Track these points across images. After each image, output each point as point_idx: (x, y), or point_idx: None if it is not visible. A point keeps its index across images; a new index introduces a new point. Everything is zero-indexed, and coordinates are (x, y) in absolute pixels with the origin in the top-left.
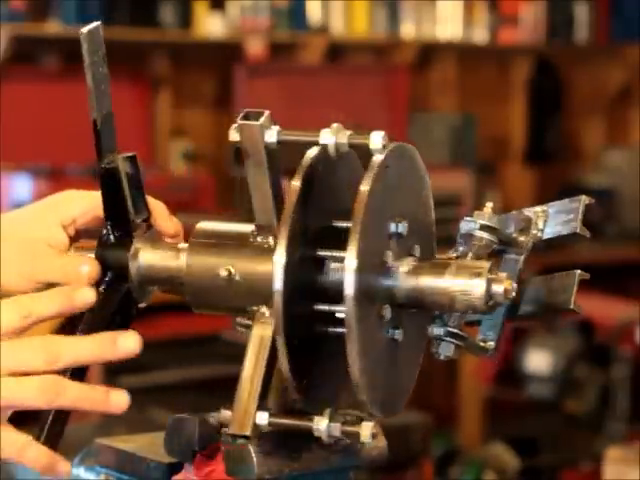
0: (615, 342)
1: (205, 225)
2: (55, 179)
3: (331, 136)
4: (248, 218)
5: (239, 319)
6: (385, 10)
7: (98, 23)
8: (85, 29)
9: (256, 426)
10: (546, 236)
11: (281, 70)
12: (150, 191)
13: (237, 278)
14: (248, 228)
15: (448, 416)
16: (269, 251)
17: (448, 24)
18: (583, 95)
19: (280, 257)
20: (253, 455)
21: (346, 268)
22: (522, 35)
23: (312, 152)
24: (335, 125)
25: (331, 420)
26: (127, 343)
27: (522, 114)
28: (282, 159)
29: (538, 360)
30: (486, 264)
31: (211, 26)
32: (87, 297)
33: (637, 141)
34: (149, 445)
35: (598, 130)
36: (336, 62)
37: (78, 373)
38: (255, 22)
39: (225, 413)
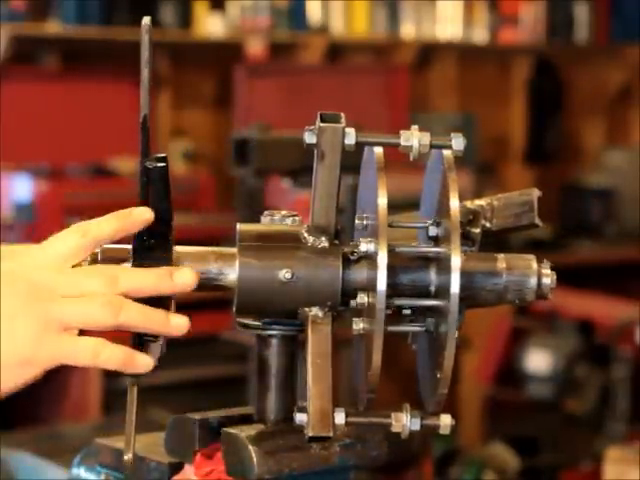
0: (615, 342)
1: (248, 227)
2: (55, 179)
3: (414, 138)
4: (249, 218)
5: (239, 319)
6: (385, 10)
7: (149, 18)
8: (146, 19)
9: (336, 426)
10: (497, 227)
11: (281, 70)
12: None
13: (296, 281)
14: (296, 229)
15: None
16: (326, 252)
17: (448, 24)
18: (583, 95)
19: (383, 258)
20: (253, 455)
21: (452, 267)
22: (522, 35)
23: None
24: (414, 127)
25: (411, 415)
26: (183, 277)
27: (522, 114)
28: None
29: (538, 360)
30: (533, 257)
31: (211, 26)
32: (144, 215)
33: (637, 141)
34: (149, 445)
35: (598, 130)
36: (336, 62)
37: None
38: (255, 22)
39: (301, 416)
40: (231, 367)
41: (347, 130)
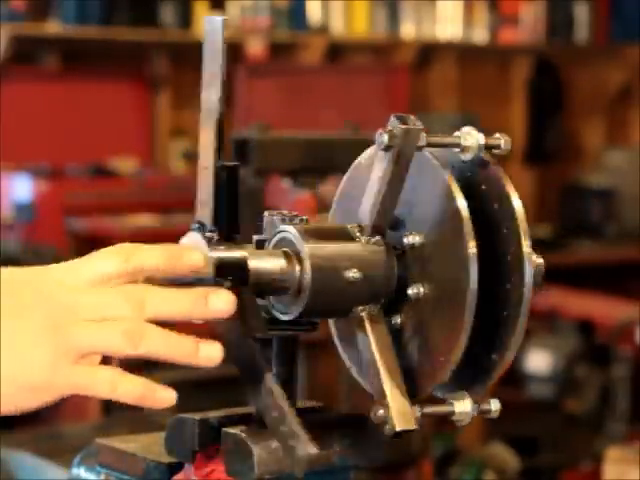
0: (615, 342)
1: (308, 227)
2: (55, 179)
3: (472, 139)
4: (249, 218)
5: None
6: (385, 10)
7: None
8: (221, 19)
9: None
10: None
11: (281, 70)
12: (150, 191)
13: (361, 279)
14: (347, 228)
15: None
16: (381, 250)
17: (448, 24)
18: (583, 95)
19: (474, 257)
20: (253, 455)
21: (525, 260)
22: (522, 35)
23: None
24: (468, 128)
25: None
26: (220, 302)
27: (522, 114)
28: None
29: (538, 360)
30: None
31: None
32: (196, 260)
33: (637, 141)
34: (149, 445)
35: (598, 130)
36: (336, 62)
37: None
38: (255, 22)
39: (379, 412)
40: (231, 367)
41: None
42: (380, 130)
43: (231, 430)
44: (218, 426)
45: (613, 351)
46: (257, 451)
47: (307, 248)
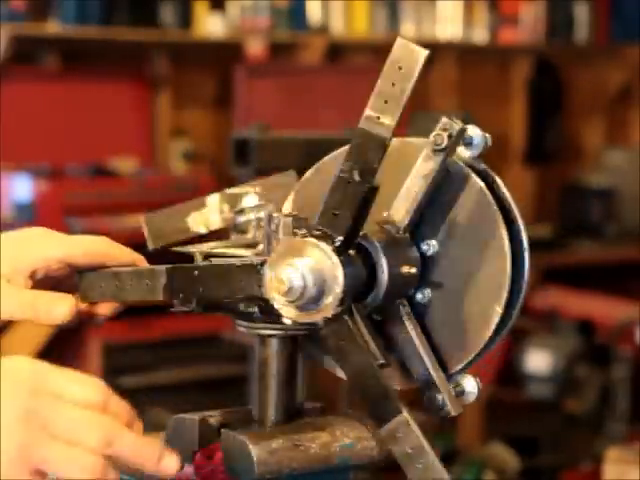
0: (615, 342)
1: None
2: (55, 179)
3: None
4: None
5: (239, 320)
6: (385, 10)
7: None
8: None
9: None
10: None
11: (281, 70)
12: (150, 191)
13: (414, 274)
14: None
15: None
16: (407, 245)
17: (448, 24)
18: (583, 95)
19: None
20: (253, 455)
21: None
22: (522, 35)
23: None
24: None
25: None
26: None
27: (522, 114)
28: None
29: (538, 360)
30: None
31: (211, 26)
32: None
33: (637, 141)
34: None
35: (598, 130)
36: (336, 62)
37: None
38: (255, 22)
39: (437, 398)
40: (231, 367)
41: None
42: (437, 132)
43: (231, 430)
44: (218, 426)
45: (613, 351)
46: (257, 451)
47: (380, 246)
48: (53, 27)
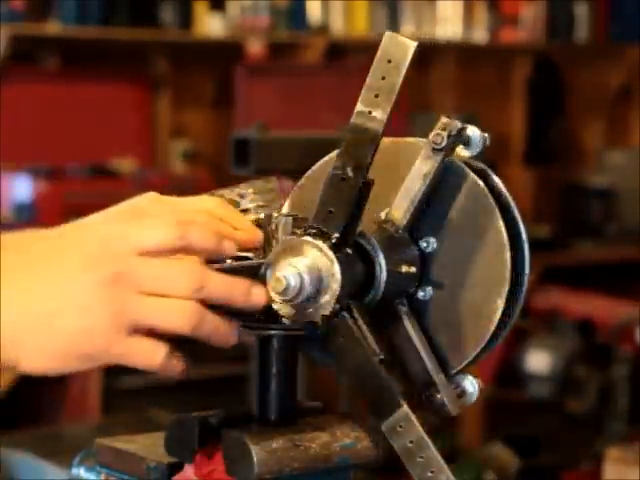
0: (615, 342)
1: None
2: (55, 179)
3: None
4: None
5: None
6: (385, 10)
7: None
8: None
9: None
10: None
11: (281, 70)
12: (150, 191)
13: (414, 273)
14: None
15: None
16: (407, 245)
17: (448, 24)
18: (583, 95)
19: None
20: (253, 455)
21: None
22: (522, 35)
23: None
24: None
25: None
26: (260, 295)
27: (522, 114)
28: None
29: (538, 360)
30: None
31: (211, 26)
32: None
33: (637, 141)
34: (149, 445)
35: (598, 130)
36: (336, 62)
37: None
38: (255, 22)
39: (437, 398)
40: (231, 367)
41: None
42: (437, 131)
43: (231, 430)
44: (218, 426)
45: (613, 351)
46: (257, 451)
47: (378, 245)
48: (53, 27)
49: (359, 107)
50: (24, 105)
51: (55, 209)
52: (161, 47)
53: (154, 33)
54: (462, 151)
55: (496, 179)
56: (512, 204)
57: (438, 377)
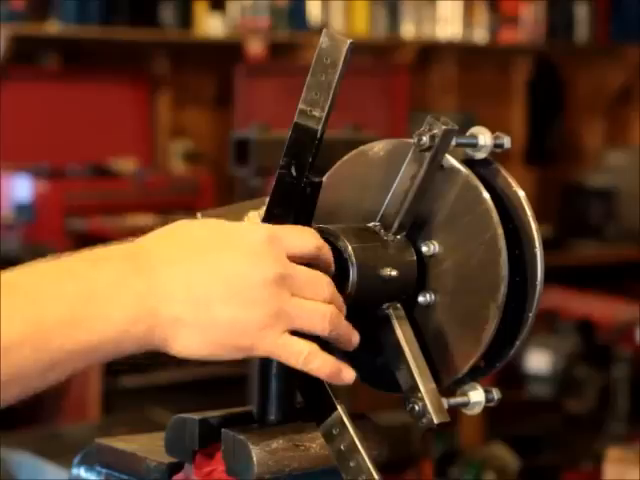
0: (615, 342)
1: (342, 227)
2: (55, 179)
3: (487, 138)
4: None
5: None
6: (385, 10)
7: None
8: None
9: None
10: None
11: (281, 70)
12: (150, 191)
13: (395, 277)
14: (370, 226)
15: (452, 412)
16: (406, 248)
17: (448, 24)
18: (583, 95)
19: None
20: (253, 455)
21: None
22: (522, 35)
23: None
24: (479, 127)
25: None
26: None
27: (522, 114)
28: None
29: (538, 360)
30: None
31: (211, 26)
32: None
33: (637, 141)
34: (149, 445)
35: (598, 130)
36: None
37: None
38: (255, 22)
39: (416, 406)
40: (231, 367)
41: None
42: (420, 130)
43: (231, 430)
44: (218, 426)
45: (613, 351)
46: (257, 451)
47: (351, 248)
48: (53, 27)
49: (300, 106)
50: (24, 105)
51: (55, 209)
52: (161, 47)
53: (154, 33)
54: (470, 153)
55: (505, 182)
56: (524, 209)
57: (423, 384)
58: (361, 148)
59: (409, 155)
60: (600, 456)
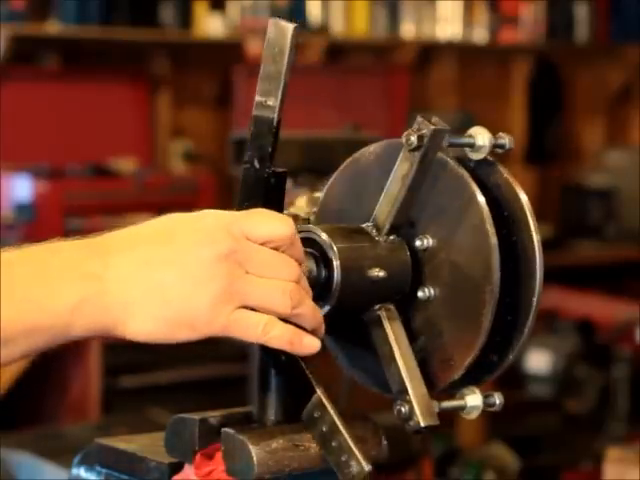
0: (615, 342)
1: (329, 228)
2: (55, 179)
3: (486, 139)
4: None
5: None
6: (385, 10)
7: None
8: (293, 25)
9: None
10: None
11: None
12: (150, 191)
13: (383, 278)
14: (363, 227)
15: (448, 416)
16: (398, 248)
17: (448, 24)
18: (583, 95)
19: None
20: (253, 455)
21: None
22: (522, 35)
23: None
24: (478, 127)
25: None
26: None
27: (522, 114)
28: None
29: (538, 360)
30: None
31: (211, 26)
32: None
33: (637, 141)
34: (149, 445)
35: (598, 130)
36: (336, 62)
37: None
38: (255, 22)
39: (403, 409)
40: (231, 367)
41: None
42: (409, 130)
43: (231, 430)
44: (218, 426)
45: (613, 351)
46: (257, 451)
47: (336, 248)
48: (53, 27)
49: (257, 98)
50: (24, 105)
51: (55, 209)
52: (161, 47)
53: (154, 33)
54: (469, 154)
55: (507, 187)
56: (526, 217)
57: (412, 386)
58: (353, 156)
59: (400, 155)
60: (600, 456)
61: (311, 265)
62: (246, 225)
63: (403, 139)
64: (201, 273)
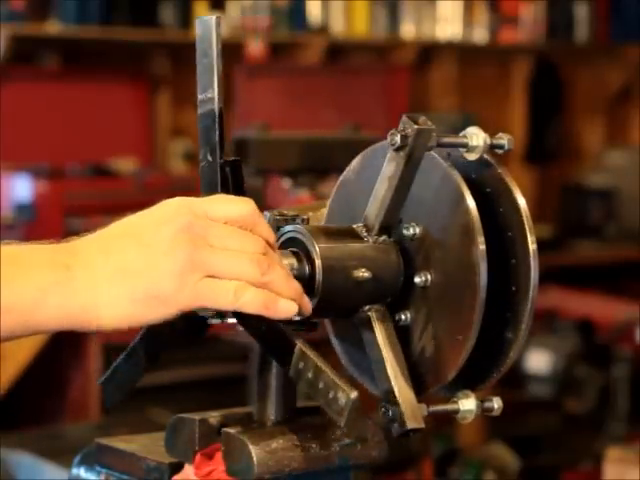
0: (615, 342)
1: (315, 228)
2: (55, 179)
3: (480, 139)
4: None
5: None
6: (385, 10)
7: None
8: (216, 17)
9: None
10: None
11: (281, 70)
12: (150, 191)
13: (370, 279)
14: (354, 228)
15: (448, 416)
16: (387, 249)
17: (448, 24)
18: (583, 95)
19: (484, 257)
20: (253, 455)
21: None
22: (522, 35)
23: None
24: (474, 128)
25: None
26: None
27: (522, 114)
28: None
29: (538, 360)
30: None
31: None
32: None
33: (637, 141)
34: (149, 445)
35: (598, 130)
36: (336, 62)
37: None
38: (255, 22)
39: (389, 411)
40: (231, 367)
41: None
42: (392, 130)
43: (231, 430)
44: (218, 426)
45: (613, 351)
46: (257, 451)
47: (319, 248)
48: (53, 27)
49: (198, 97)
50: (24, 105)
51: (55, 209)
52: (161, 47)
53: (154, 33)
54: (464, 154)
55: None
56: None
57: (399, 388)
58: (339, 180)
59: (387, 156)
60: (600, 456)
61: (291, 260)
62: (207, 206)
63: (388, 139)
64: (162, 246)
